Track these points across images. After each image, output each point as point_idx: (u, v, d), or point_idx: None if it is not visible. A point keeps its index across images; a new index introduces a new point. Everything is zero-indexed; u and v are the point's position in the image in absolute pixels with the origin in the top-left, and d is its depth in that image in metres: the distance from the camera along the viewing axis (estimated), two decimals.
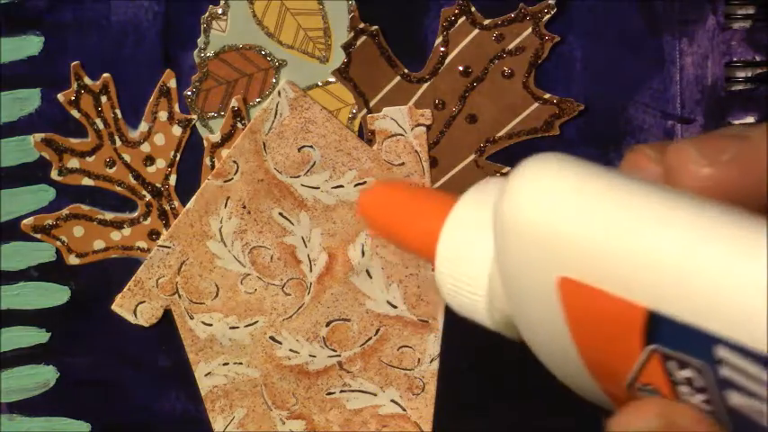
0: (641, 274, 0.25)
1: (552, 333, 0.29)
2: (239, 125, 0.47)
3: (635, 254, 0.25)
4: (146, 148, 0.48)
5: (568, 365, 0.29)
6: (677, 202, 0.25)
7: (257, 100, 0.47)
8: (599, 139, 0.47)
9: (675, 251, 0.25)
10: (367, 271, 0.49)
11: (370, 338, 0.50)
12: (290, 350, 0.49)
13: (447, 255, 0.32)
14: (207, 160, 0.48)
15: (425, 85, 0.47)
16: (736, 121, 0.47)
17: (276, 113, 0.47)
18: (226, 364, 0.50)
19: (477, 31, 0.46)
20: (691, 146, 0.27)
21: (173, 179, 0.48)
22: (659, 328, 0.25)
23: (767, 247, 0.23)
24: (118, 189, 0.48)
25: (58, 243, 0.48)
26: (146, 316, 0.49)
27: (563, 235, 0.27)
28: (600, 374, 0.29)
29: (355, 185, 0.48)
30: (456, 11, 0.46)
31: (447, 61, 0.47)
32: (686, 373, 0.26)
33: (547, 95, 0.47)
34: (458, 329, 0.49)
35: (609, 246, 0.26)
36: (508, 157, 0.48)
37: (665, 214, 0.25)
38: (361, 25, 0.46)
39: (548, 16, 0.46)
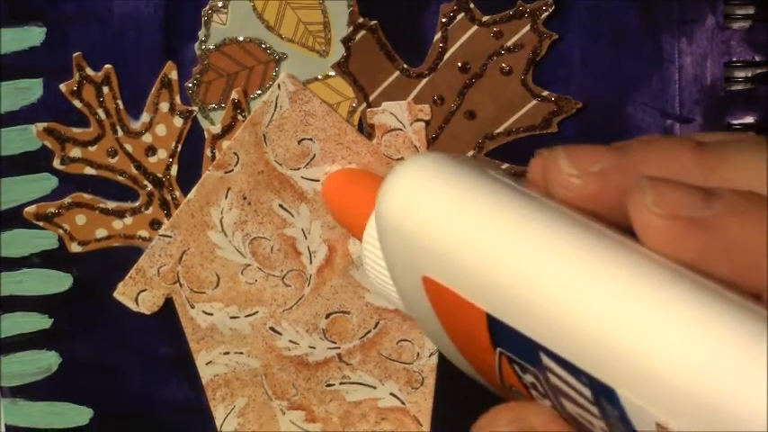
0: (477, 279, 0.25)
1: (432, 327, 0.29)
2: (240, 117, 0.48)
3: (470, 258, 0.26)
4: (147, 138, 0.48)
5: (457, 360, 0.30)
6: (515, 213, 0.25)
7: (257, 92, 0.47)
8: (597, 137, 0.47)
9: (501, 258, 0.25)
10: None
11: (369, 331, 0.50)
12: (290, 341, 0.50)
13: (368, 243, 0.33)
14: (208, 151, 0.48)
15: (424, 81, 0.47)
16: (736, 121, 0.47)
17: (276, 106, 0.47)
18: (227, 353, 0.50)
19: (475, 27, 0.46)
20: (563, 154, 0.26)
21: (174, 169, 0.49)
22: (498, 332, 0.26)
23: (581, 262, 0.23)
24: (120, 179, 0.49)
25: (61, 231, 0.49)
26: (147, 304, 0.50)
27: (421, 237, 0.27)
28: (480, 370, 0.29)
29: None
30: (455, 7, 0.46)
31: (446, 57, 0.47)
32: (529, 378, 0.26)
33: (545, 93, 0.47)
34: None
35: (452, 249, 0.26)
36: (507, 153, 0.48)
37: (497, 225, 0.25)
38: (360, 20, 0.47)
39: (546, 14, 0.46)
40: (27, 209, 0.49)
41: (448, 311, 0.27)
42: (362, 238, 0.34)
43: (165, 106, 0.48)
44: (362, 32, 0.47)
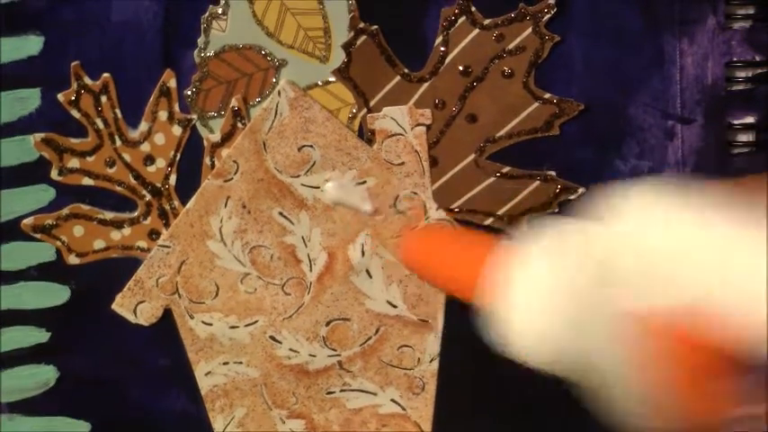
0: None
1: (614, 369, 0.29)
2: (239, 125, 0.47)
3: None
4: (146, 147, 0.48)
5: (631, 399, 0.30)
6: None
7: (257, 99, 0.47)
8: (599, 138, 0.47)
9: None
10: (367, 271, 0.49)
11: (369, 338, 0.50)
12: (290, 349, 0.50)
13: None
14: (207, 160, 0.48)
15: (425, 85, 0.47)
16: (736, 121, 0.47)
17: (276, 113, 0.47)
18: (226, 363, 0.50)
19: (477, 30, 0.46)
20: None
21: (173, 179, 0.48)
22: None
23: None
24: (118, 189, 0.48)
25: (58, 243, 0.48)
26: (146, 315, 0.49)
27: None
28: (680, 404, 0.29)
29: (356, 185, 0.48)
30: (456, 11, 0.46)
31: (447, 61, 0.47)
32: None
33: (547, 95, 0.47)
34: (457, 329, 0.49)
35: None
36: (508, 156, 0.48)
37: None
38: (361, 25, 0.47)
39: (548, 16, 0.46)
40: (24, 221, 0.48)
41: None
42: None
43: (163, 115, 0.47)
44: (363, 37, 0.47)
